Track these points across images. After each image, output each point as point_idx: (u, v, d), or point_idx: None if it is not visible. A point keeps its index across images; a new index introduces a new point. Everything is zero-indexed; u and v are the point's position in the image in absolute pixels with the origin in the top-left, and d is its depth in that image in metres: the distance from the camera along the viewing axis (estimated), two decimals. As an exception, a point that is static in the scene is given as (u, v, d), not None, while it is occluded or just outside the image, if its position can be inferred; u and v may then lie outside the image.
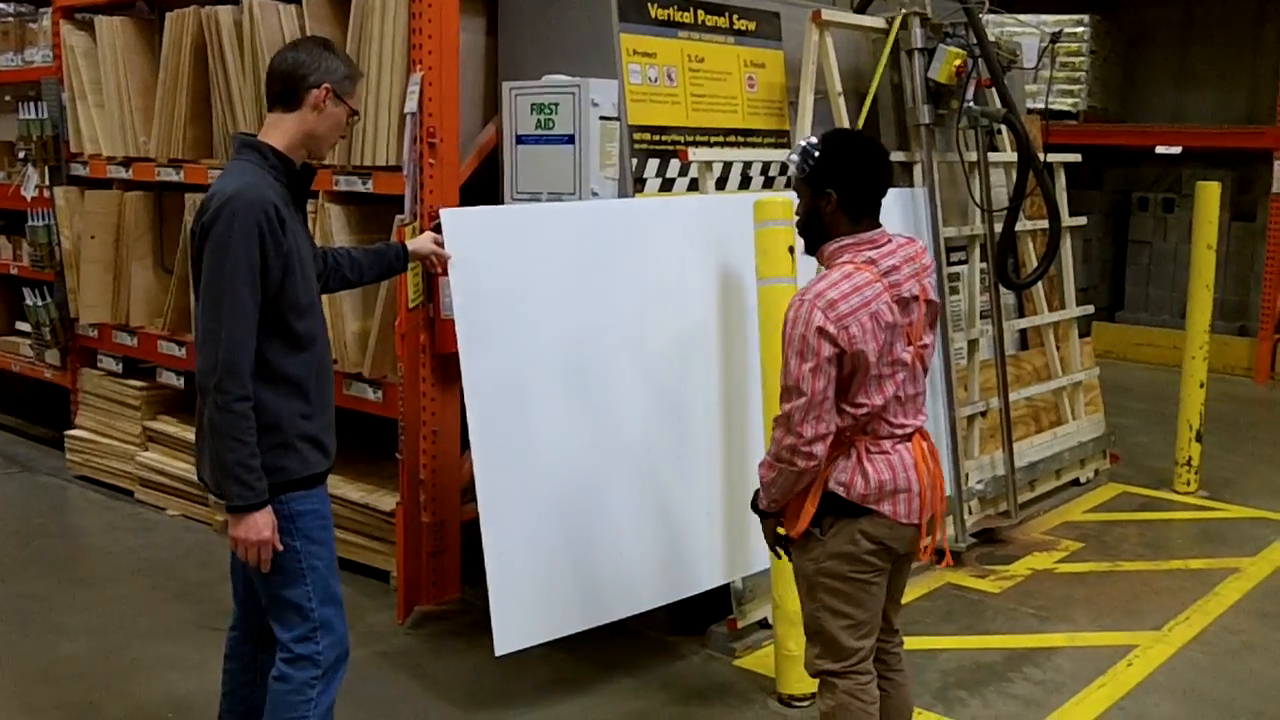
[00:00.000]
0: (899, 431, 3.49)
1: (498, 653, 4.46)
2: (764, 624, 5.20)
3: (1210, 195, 7.38)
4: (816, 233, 3.56)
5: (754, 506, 3.67)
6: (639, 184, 5.45)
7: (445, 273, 4.51)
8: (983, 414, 6.61)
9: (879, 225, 3.54)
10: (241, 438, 3.28)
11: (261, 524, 3.35)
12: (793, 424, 3.34)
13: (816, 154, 3.50)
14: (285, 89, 3.44)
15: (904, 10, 6.35)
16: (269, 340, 3.36)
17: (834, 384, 3.35)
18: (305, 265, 3.46)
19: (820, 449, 3.37)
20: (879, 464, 3.46)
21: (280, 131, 3.46)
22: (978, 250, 6.76)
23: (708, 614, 5.20)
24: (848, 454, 3.47)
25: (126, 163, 7.02)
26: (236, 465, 3.29)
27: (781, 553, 3.70)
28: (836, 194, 3.47)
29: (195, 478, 6.52)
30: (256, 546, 3.36)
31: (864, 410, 3.42)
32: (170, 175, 6.68)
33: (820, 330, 3.31)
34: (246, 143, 3.46)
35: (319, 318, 3.53)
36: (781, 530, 3.62)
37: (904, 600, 3.86)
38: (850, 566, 3.50)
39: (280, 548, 3.42)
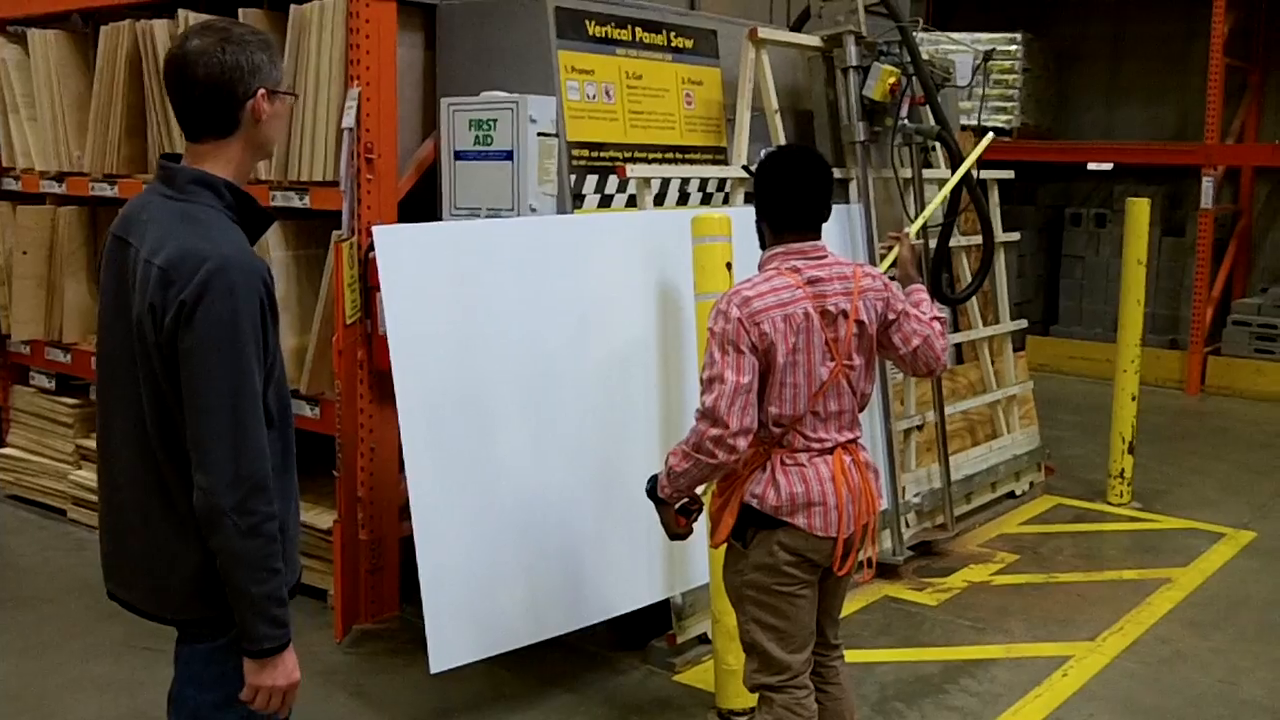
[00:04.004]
0: (816, 446, 3.53)
1: (433, 670, 4.44)
2: (704, 639, 5.21)
3: (1140, 211, 7.50)
4: (761, 243, 3.69)
5: (651, 494, 3.67)
6: (577, 200, 5.46)
7: None
8: (919, 428, 6.66)
9: (815, 240, 3.61)
10: (273, 565, 2.64)
11: (292, 664, 2.73)
12: (719, 414, 3.38)
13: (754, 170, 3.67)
14: (215, 114, 2.69)
15: (840, 29, 6.41)
16: None
17: (757, 376, 3.43)
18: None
19: (743, 443, 3.42)
20: (792, 476, 3.51)
21: (224, 161, 2.73)
22: (914, 265, 6.81)
23: (648, 629, 5.20)
24: (764, 467, 3.53)
25: (60, 177, 6.93)
26: (267, 600, 2.63)
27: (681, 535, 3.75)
28: (763, 208, 3.62)
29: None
30: (285, 691, 2.73)
31: (773, 417, 3.47)
32: (104, 190, 6.59)
33: (739, 322, 3.41)
34: (198, 179, 2.69)
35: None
36: (682, 520, 3.69)
37: (841, 614, 3.89)
38: (772, 579, 3.54)
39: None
